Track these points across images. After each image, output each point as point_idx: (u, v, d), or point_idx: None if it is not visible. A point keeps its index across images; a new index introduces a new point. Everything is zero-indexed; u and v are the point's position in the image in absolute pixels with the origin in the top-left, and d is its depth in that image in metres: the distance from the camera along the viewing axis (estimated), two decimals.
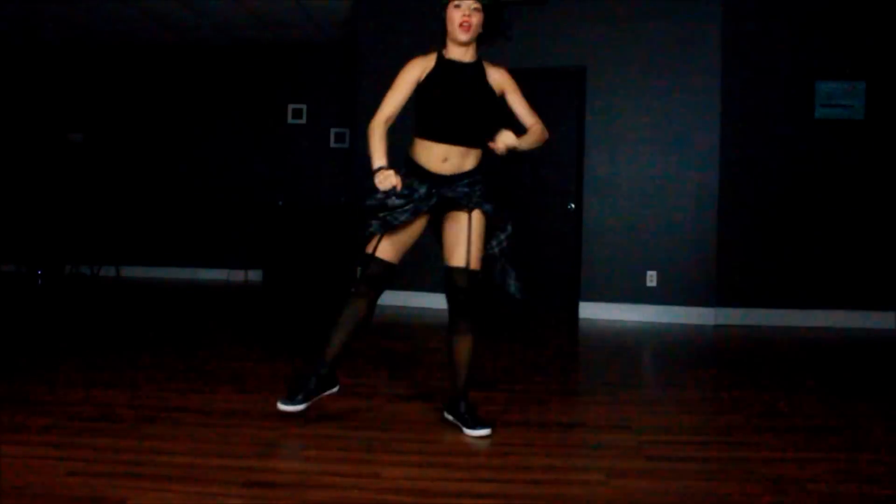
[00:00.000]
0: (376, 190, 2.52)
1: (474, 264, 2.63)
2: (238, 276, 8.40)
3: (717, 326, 5.49)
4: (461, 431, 2.62)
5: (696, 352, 4.62)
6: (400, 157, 2.68)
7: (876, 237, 5.53)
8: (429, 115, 2.63)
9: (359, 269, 2.65)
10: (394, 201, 2.55)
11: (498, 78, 2.70)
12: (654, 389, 3.52)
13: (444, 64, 2.66)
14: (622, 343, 4.83)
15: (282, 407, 2.63)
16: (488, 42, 2.70)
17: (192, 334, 4.75)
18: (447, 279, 2.64)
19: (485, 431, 2.57)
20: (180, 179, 8.51)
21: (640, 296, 5.68)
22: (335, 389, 2.75)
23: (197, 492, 2.02)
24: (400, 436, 2.58)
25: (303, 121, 8.24)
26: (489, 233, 2.69)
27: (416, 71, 2.65)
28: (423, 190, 2.59)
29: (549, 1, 5.85)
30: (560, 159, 6.09)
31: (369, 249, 2.65)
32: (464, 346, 2.66)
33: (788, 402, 3.18)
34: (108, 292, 7.00)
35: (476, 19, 2.59)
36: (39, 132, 8.64)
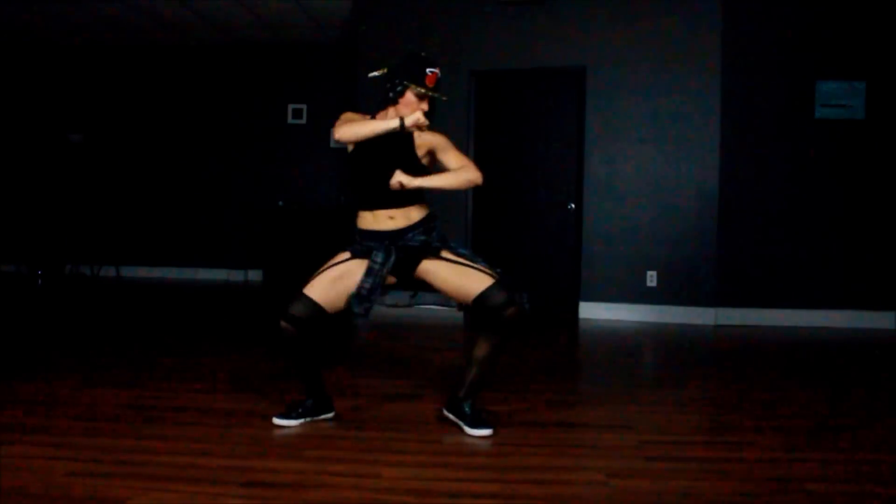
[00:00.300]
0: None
1: (487, 279, 2.55)
2: (238, 276, 8.40)
3: (717, 326, 5.49)
4: (461, 431, 2.62)
5: (696, 352, 4.62)
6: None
7: (876, 237, 5.53)
8: (362, 187, 2.65)
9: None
10: (365, 285, 2.57)
11: (427, 138, 2.64)
12: (654, 389, 3.52)
13: None
14: (622, 343, 4.83)
15: (276, 420, 2.68)
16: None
17: (192, 334, 4.75)
18: (481, 311, 2.55)
19: (486, 431, 2.58)
20: (180, 179, 8.52)
21: (640, 296, 5.68)
22: (330, 415, 2.77)
23: (197, 492, 2.02)
24: (400, 436, 2.58)
25: (303, 121, 8.25)
26: None
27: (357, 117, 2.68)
28: (380, 257, 2.58)
29: (549, 1, 5.85)
30: (560, 159, 6.09)
31: (305, 288, 2.61)
32: (486, 345, 2.62)
33: (788, 402, 3.18)
34: (108, 292, 7.00)
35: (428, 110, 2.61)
36: (39, 132, 8.65)
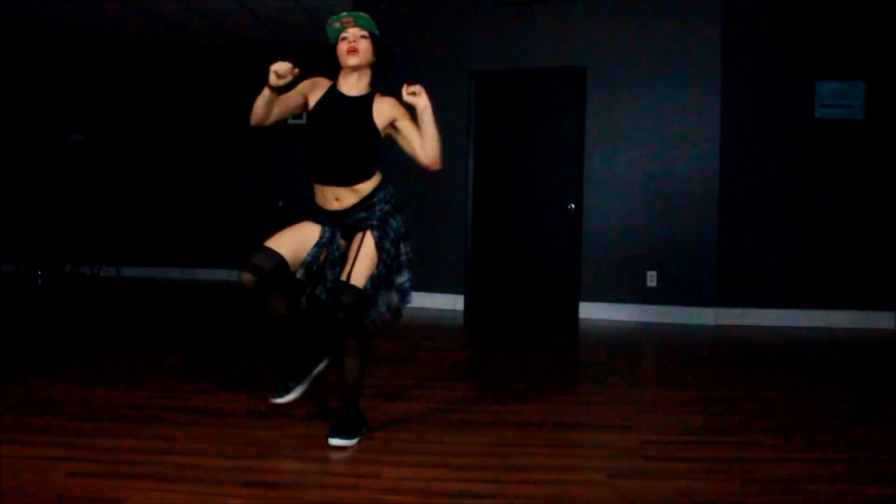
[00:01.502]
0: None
1: (354, 280, 2.49)
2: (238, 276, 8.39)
3: (717, 326, 5.49)
4: (461, 431, 2.62)
5: (696, 352, 4.62)
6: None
7: (876, 237, 5.53)
8: (314, 158, 2.59)
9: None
10: (311, 251, 2.56)
11: (386, 109, 2.57)
12: (654, 389, 3.52)
13: (332, 94, 2.62)
14: (622, 343, 4.83)
15: (276, 400, 2.58)
16: (381, 71, 2.65)
17: (192, 334, 4.75)
18: (332, 293, 2.54)
19: (339, 441, 2.47)
20: (180, 180, 8.51)
21: (640, 296, 5.68)
22: (324, 364, 2.73)
23: (197, 492, 2.02)
24: (400, 436, 2.58)
25: (303, 121, 8.20)
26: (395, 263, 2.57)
27: (309, 88, 2.64)
28: (327, 232, 2.56)
29: (549, 1, 5.86)
30: (560, 159, 6.09)
31: (268, 243, 2.58)
32: (350, 365, 2.55)
33: (788, 402, 3.18)
34: (109, 292, 7.00)
35: (363, 45, 2.56)
36: (40, 133, 8.65)
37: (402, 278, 2.58)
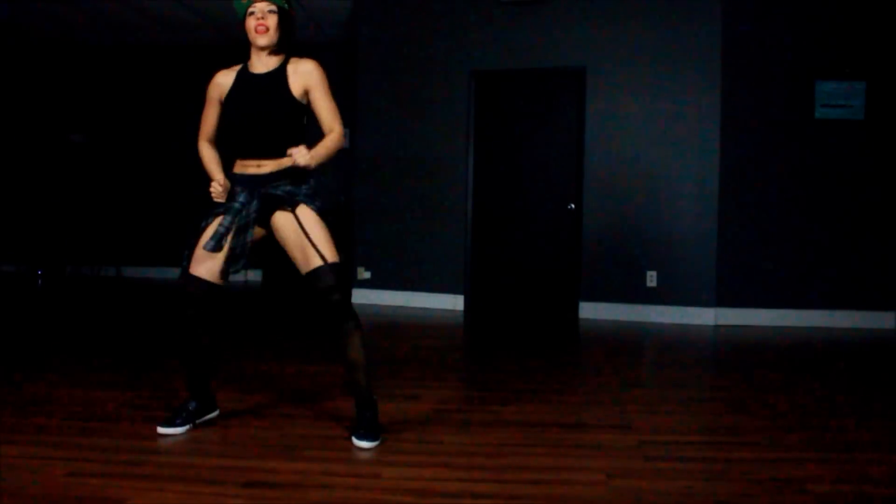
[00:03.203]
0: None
1: (331, 257, 2.45)
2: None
3: (717, 326, 5.49)
4: (460, 431, 2.62)
5: (696, 352, 4.62)
6: None
7: (876, 237, 5.53)
8: (233, 137, 2.56)
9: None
10: (224, 222, 2.48)
11: (303, 75, 2.51)
12: (654, 389, 3.52)
13: (242, 79, 2.56)
14: (622, 343, 4.82)
15: (160, 429, 2.53)
16: (287, 48, 2.56)
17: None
18: (312, 286, 2.45)
19: (366, 444, 2.43)
20: (181, 179, 8.52)
21: (640, 296, 5.68)
22: (215, 414, 2.70)
23: (197, 492, 2.02)
24: (400, 436, 2.58)
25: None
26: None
27: (216, 89, 2.60)
28: (242, 197, 2.49)
29: (549, 1, 5.86)
30: (560, 159, 6.09)
31: (191, 269, 2.50)
32: (355, 345, 2.50)
33: (788, 402, 3.18)
34: (109, 292, 7.00)
35: (272, 21, 2.48)
36: (40, 133, 8.65)
37: None
